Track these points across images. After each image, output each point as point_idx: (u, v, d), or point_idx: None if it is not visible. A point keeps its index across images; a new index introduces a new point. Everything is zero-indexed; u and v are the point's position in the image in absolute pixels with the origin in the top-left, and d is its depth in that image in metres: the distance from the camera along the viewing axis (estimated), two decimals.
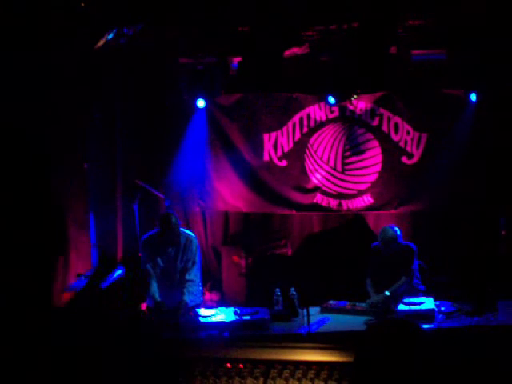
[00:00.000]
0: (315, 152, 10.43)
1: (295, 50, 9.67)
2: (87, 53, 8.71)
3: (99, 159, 10.23)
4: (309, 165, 10.47)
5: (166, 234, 8.25)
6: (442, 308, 7.80)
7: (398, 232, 8.31)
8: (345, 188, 10.46)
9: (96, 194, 10.11)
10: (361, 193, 10.42)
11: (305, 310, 7.16)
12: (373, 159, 10.34)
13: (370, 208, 10.49)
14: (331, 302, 8.18)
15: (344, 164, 10.41)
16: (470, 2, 8.81)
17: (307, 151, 10.45)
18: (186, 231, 8.54)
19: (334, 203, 10.49)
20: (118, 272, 9.23)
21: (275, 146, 10.46)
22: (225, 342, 7.31)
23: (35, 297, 7.27)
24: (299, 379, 4.28)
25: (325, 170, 10.45)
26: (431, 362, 2.78)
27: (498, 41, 9.14)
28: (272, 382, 4.31)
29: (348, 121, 10.36)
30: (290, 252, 10.66)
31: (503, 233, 9.97)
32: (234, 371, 4.39)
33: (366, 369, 2.80)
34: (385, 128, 10.26)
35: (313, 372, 4.28)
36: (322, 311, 8.06)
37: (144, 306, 8.62)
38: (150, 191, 10.06)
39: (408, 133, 10.22)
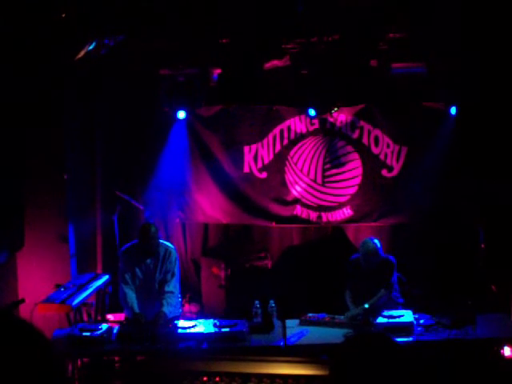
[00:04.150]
0: (295, 164, 10.43)
1: (276, 63, 9.68)
2: (66, 63, 8.68)
3: (79, 170, 10.18)
4: (289, 177, 10.48)
5: (145, 244, 8.21)
6: (421, 321, 7.80)
7: (379, 245, 8.29)
8: (325, 200, 10.46)
9: (76, 205, 10.05)
10: (341, 205, 10.43)
11: (284, 323, 7.17)
12: (353, 172, 10.36)
13: (349, 220, 10.51)
14: (310, 314, 8.14)
15: (324, 176, 10.42)
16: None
17: (287, 163, 10.46)
18: (166, 243, 8.50)
19: (313, 215, 10.49)
20: (105, 278, 9.23)
21: (255, 158, 10.46)
22: (202, 354, 7.29)
23: None
24: None
25: (305, 183, 10.46)
26: (407, 375, 2.77)
27: (477, 54, 9.19)
28: None
29: (328, 133, 10.38)
30: (269, 264, 10.63)
31: (482, 246, 10.00)
32: None
33: (342, 382, 2.79)
34: (365, 141, 10.29)
35: None
36: (301, 324, 8.03)
37: (123, 317, 8.60)
38: (130, 202, 10.04)
39: (388, 146, 10.25)
